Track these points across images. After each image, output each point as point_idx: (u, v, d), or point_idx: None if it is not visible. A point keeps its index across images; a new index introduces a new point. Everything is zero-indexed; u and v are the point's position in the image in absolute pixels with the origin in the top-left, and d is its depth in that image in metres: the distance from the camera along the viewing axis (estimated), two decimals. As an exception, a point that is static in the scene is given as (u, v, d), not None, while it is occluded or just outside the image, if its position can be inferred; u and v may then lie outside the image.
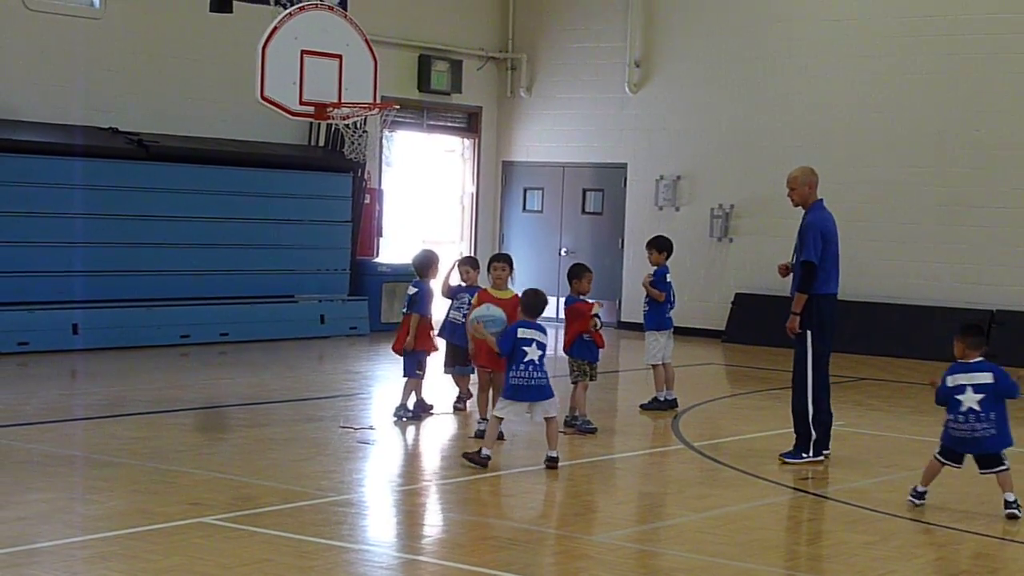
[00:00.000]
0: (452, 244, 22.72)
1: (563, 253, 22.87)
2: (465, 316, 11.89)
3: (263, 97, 15.45)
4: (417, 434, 11.97)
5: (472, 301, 11.84)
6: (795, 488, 10.09)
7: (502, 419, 10.49)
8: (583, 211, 23.08)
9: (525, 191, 23.59)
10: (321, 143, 20.31)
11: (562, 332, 12.59)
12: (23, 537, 7.69)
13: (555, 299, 21.80)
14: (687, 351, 18.61)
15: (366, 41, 16.14)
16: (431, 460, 11.29)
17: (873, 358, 18.52)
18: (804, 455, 10.89)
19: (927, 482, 9.39)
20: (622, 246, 22.39)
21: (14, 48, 17.22)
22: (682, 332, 18.59)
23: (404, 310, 12.67)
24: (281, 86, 15.45)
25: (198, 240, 18.41)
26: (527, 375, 10.29)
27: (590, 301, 12.28)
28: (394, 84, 20.73)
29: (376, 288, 20.25)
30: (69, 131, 17.33)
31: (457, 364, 12.50)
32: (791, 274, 11.11)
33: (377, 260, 20.88)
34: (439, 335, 12.64)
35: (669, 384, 13.60)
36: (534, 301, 10.72)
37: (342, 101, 15.75)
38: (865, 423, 13.09)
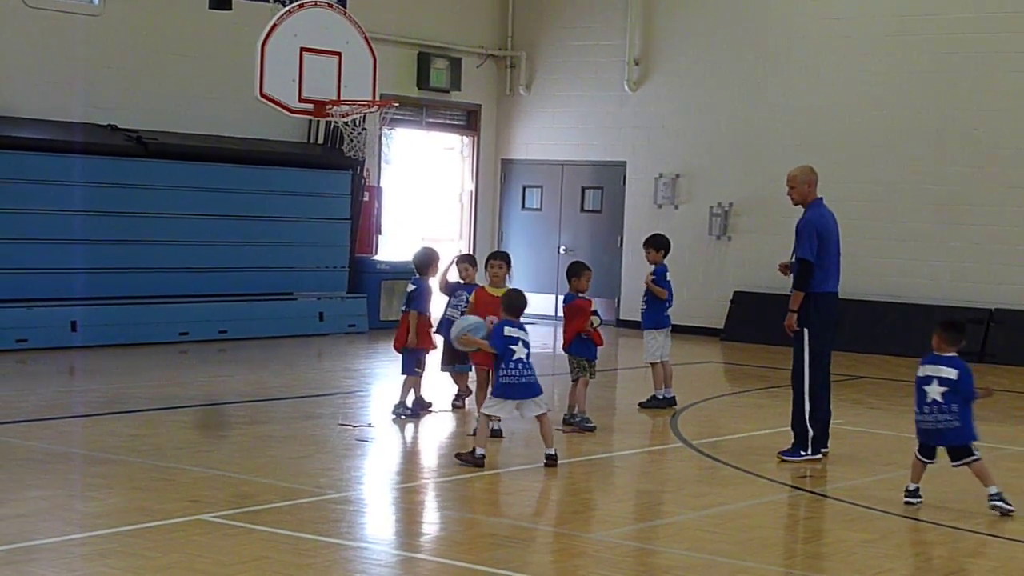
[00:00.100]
0: (451, 242, 22.72)
1: (562, 251, 22.87)
2: (463, 313, 11.89)
3: (262, 94, 15.44)
4: (416, 432, 11.97)
5: (470, 299, 11.84)
6: (793, 486, 10.10)
7: (491, 417, 10.49)
8: (582, 209, 23.08)
9: (524, 189, 23.59)
10: (320, 140, 20.31)
11: (561, 330, 12.58)
12: (22, 534, 7.69)
13: (554, 297, 22.06)
14: (686, 349, 18.61)
15: (365, 38, 16.13)
16: (430, 458, 11.29)
17: (871, 356, 18.53)
18: (802, 453, 10.90)
19: (916, 479, 9.44)
20: (621, 244, 22.39)
21: (13, 45, 17.22)
22: (681, 330, 18.61)
23: (403, 308, 12.68)
24: (280, 83, 15.44)
25: (197, 237, 18.41)
26: (517, 373, 10.32)
27: (589, 299, 12.29)
28: (393, 82, 20.73)
29: (375, 286, 20.25)
30: (68, 128, 17.33)
31: (455, 362, 12.51)
32: (792, 273, 11.13)
33: (376, 258, 20.88)
34: (437, 332, 12.65)
35: (667, 382, 13.60)
36: (516, 301, 10.75)
37: (341, 98, 15.75)
38: (863, 421, 13.09)
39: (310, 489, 9.20)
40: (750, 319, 20.45)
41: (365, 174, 20.62)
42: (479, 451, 10.18)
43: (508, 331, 10.44)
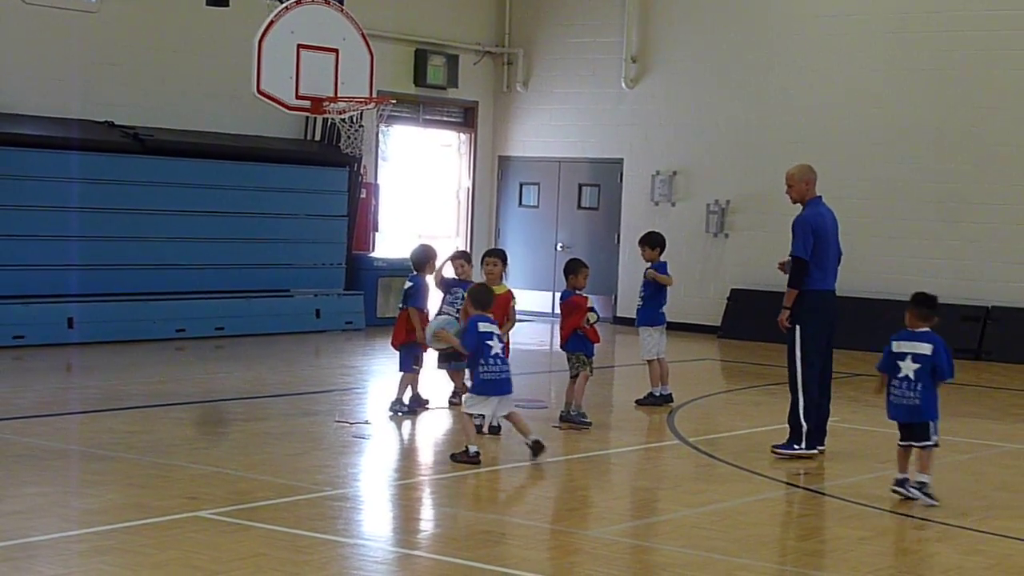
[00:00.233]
0: (448, 239, 22.72)
1: (559, 248, 22.87)
2: (459, 311, 11.91)
3: (259, 91, 15.43)
4: (413, 429, 11.97)
5: (468, 295, 11.83)
6: (790, 484, 10.10)
7: (473, 416, 10.45)
8: (579, 206, 23.07)
9: (521, 186, 23.59)
10: (317, 137, 20.30)
11: (558, 327, 12.59)
12: (19, 531, 7.69)
13: (551, 294, 22.06)
14: (683, 346, 18.62)
15: (362, 35, 16.12)
16: (426, 455, 11.29)
17: (869, 354, 18.42)
18: (796, 447, 10.95)
19: (902, 468, 9.50)
20: (618, 241, 22.39)
21: (11, 42, 17.20)
22: (678, 327, 18.65)
23: (400, 305, 12.68)
24: (277, 80, 15.43)
25: (194, 234, 18.41)
26: (497, 369, 10.29)
27: (584, 296, 12.28)
28: (390, 78, 20.72)
29: (372, 283, 20.24)
30: (65, 125, 17.32)
31: (451, 359, 12.50)
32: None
33: (373, 255, 20.89)
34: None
35: (664, 379, 13.60)
36: (483, 294, 10.71)
37: (338, 95, 15.74)
38: (860, 419, 13.09)
39: (307, 486, 9.20)
40: (747, 316, 20.45)
41: (362, 171, 20.62)
42: (472, 449, 10.17)
43: (482, 327, 10.37)
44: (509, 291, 11.70)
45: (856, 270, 18.36)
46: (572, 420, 12.02)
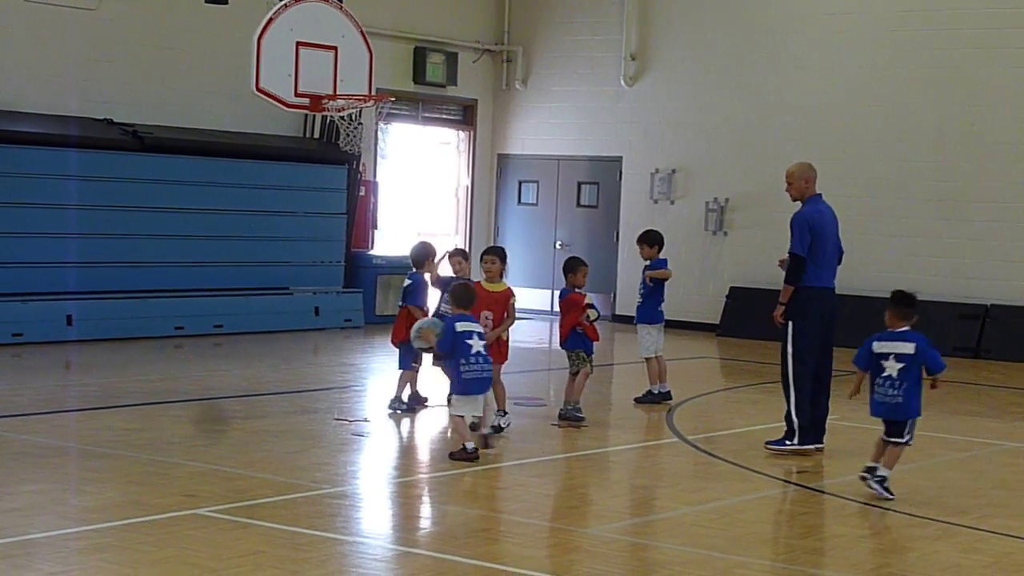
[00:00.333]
0: (447, 237, 22.72)
1: (558, 246, 22.87)
2: None
3: (258, 89, 15.43)
4: (412, 427, 11.97)
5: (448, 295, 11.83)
6: (789, 482, 10.10)
7: (463, 416, 10.38)
8: (578, 204, 23.08)
9: (520, 184, 23.59)
10: (316, 135, 20.30)
11: (557, 326, 12.58)
12: (17, 528, 7.68)
13: (550, 292, 22.05)
14: (681, 344, 18.63)
15: (361, 33, 16.12)
16: (425, 453, 11.29)
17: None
18: (788, 443, 11.02)
19: (875, 458, 9.56)
20: (617, 239, 22.39)
21: (10, 39, 17.19)
22: (676, 325, 18.64)
23: (400, 303, 12.67)
24: (276, 78, 15.44)
25: (193, 232, 18.40)
26: (479, 367, 10.28)
27: (583, 293, 12.27)
28: (389, 76, 20.72)
29: (371, 280, 20.25)
30: (64, 122, 17.31)
31: (446, 357, 12.46)
32: (788, 268, 11.21)
33: (372, 252, 20.88)
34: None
35: (662, 377, 13.60)
36: (465, 294, 10.72)
37: (337, 93, 15.75)
38: (859, 416, 13.05)
39: (306, 484, 9.20)
40: (746, 314, 20.45)
41: (361, 169, 20.62)
42: (469, 446, 10.16)
43: (461, 326, 10.35)
44: (509, 288, 11.68)
45: (855, 268, 18.32)
46: (567, 416, 12.02)
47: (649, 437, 12.27)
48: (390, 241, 21.77)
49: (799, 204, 11.19)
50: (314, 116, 19.37)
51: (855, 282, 18.52)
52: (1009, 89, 19.20)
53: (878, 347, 9.50)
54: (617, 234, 22.42)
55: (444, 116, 23.23)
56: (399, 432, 11.76)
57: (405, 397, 12.46)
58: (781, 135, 20.59)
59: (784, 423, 11.10)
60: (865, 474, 9.52)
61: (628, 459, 11.21)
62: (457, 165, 23.64)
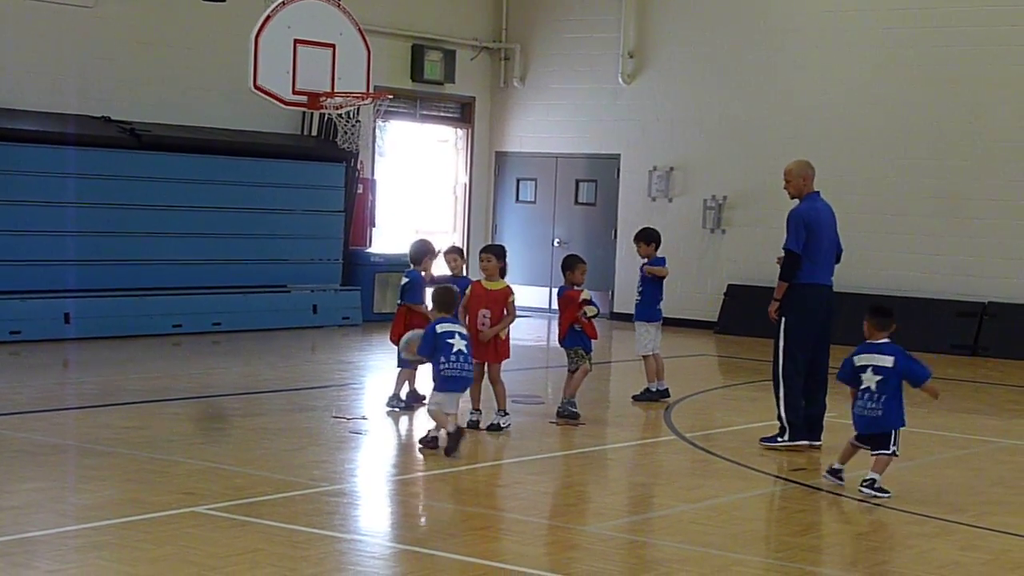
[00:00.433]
0: (445, 234, 22.72)
1: (556, 244, 22.87)
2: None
3: (256, 86, 15.44)
4: (410, 424, 11.96)
5: (467, 292, 11.83)
6: (787, 479, 10.11)
7: (438, 406, 10.41)
8: (576, 202, 23.07)
9: (518, 181, 23.58)
10: (314, 133, 20.29)
11: (556, 323, 12.58)
12: (15, 527, 7.68)
13: (548, 290, 22.05)
14: (679, 342, 18.63)
15: (359, 30, 16.13)
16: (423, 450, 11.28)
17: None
18: (779, 439, 11.09)
19: (843, 460, 9.67)
20: (615, 237, 22.39)
21: (7, 37, 17.17)
22: (674, 323, 18.65)
23: (399, 301, 12.68)
24: (274, 75, 15.44)
25: (191, 229, 18.39)
26: (459, 365, 10.35)
27: (579, 289, 12.26)
28: (387, 74, 20.72)
29: (369, 278, 20.24)
30: (62, 120, 17.30)
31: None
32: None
33: (370, 250, 20.87)
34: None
35: (660, 375, 13.60)
36: (445, 297, 10.79)
37: (335, 91, 15.76)
38: (857, 414, 13.08)
39: (304, 481, 9.20)
40: (744, 312, 20.44)
41: (359, 166, 20.61)
42: (450, 428, 10.15)
43: (441, 327, 10.44)
44: (508, 287, 11.68)
45: (854, 266, 18.36)
46: (565, 414, 12.01)
47: (647, 435, 12.27)
48: (388, 239, 21.76)
49: (796, 202, 11.23)
50: (312, 114, 19.37)
51: (854, 280, 18.54)
52: (1008, 87, 19.20)
53: (859, 360, 9.56)
54: (615, 232, 22.42)
55: (442, 114, 23.22)
56: (397, 430, 11.77)
57: (403, 395, 12.46)
58: (779, 133, 20.59)
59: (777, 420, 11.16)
60: (829, 475, 9.62)
61: (626, 457, 11.22)
62: (455, 163, 23.64)
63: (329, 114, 18.36)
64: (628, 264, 20.42)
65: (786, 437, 11.05)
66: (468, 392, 11.83)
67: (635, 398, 13.54)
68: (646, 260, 13.65)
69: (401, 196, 23.04)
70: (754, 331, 19.28)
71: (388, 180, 22.38)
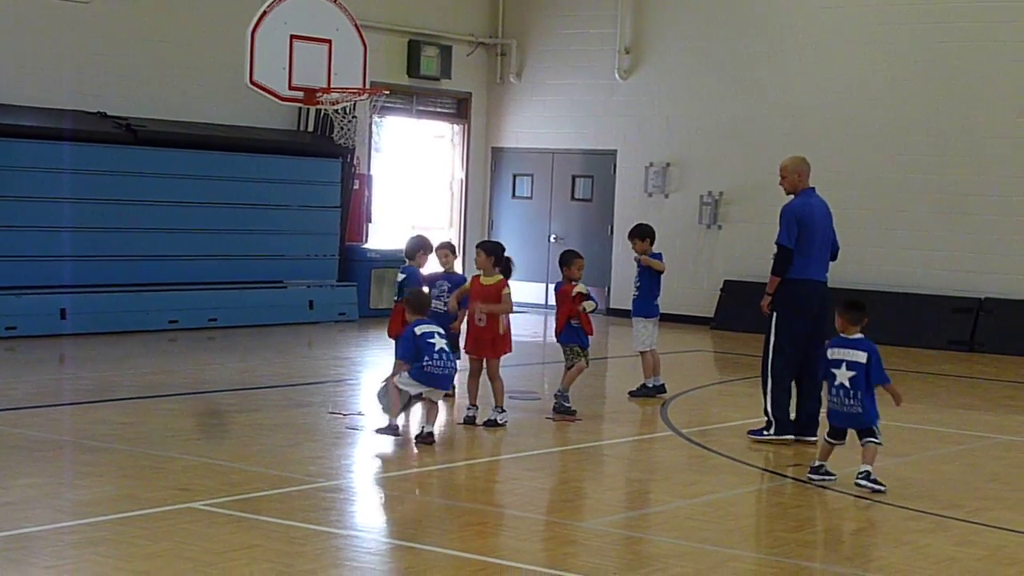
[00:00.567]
0: (441, 230, 22.71)
1: (552, 239, 22.87)
2: (447, 304, 11.94)
3: (252, 82, 15.44)
4: (406, 420, 11.94)
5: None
6: (783, 475, 10.11)
7: (401, 391, 10.53)
8: (572, 197, 23.07)
9: (514, 177, 23.58)
10: (310, 128, 20.27)
11: (552, 319, 12.58)
12: (11, 522, 7.68)
13: (544, 285, 22.05)
14: (676, 337, 18.63)
15: (355, 26, 16.13)
16: (420, 446, 11.27)
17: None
18: (765, 433, 11.18)
19: (823, 457, 9.70)
20: (611, 232, 22.39)
21: (3, 32, 17.16)
22: (671, 319, 18.65)
23: (396, 297, 12.66)
24: (270, 71, 15.44)
25: (187, 225, 18.38)
26: (441, 364, 10.46)
27: (574, 284, 12.26)
28: (383, 69, 20.70)
29: (365, 274, 20.24)
30: (57, 115, 17.29)
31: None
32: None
33: (366, 246, 20.86)
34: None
35: (656, 370, 13.60)
36: (419, 300, 11.07)
37: (331, 86, 15.76)
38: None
39: (300, 477, 9.20)
40: (740, 308, 20.42)
41: (355, 162, 20.60)
42: (394, 422, 10.50)
43: (420, 329, 10.55)
44: (502, 280, 11.65)
45: (850, 262, 18.35)
46: (561, 410, 12.00)
47: (643, 431, 12.28)
48: (384, 234, 21.76)
49: (792, 197, 11.24)
50: (308, 109, 19.35)
51: (849, 276, 18.55)
52: (1005, 83, 19.20)
53: (832, 354, 9.59)
54: (611, 227, 22.41)
55: (438, 109, 23.21)
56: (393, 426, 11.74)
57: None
58: (775, 129, 20.58)
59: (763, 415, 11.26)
60: (812, 474, 9.62)
61: (622, 453, 11.22)
62: (451, 158, 23.62)
63: (325, 110, 18.38)
64: (624, 260, 20.43)
65: (772, 431, 11.10)
66: (466, 387, 11.90)
67: (631, 394, 13.54)
68: (641, 255, 13.63)
69: (397, 192, 23.02)
70: (750, 327, 19.23)
71: (384, 176, 22.37)
